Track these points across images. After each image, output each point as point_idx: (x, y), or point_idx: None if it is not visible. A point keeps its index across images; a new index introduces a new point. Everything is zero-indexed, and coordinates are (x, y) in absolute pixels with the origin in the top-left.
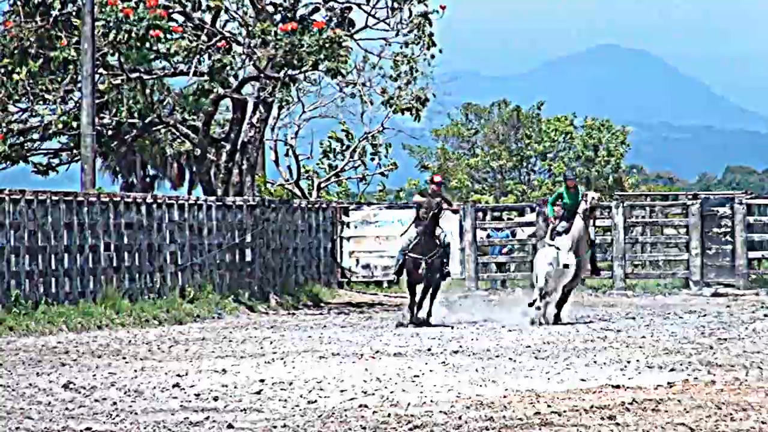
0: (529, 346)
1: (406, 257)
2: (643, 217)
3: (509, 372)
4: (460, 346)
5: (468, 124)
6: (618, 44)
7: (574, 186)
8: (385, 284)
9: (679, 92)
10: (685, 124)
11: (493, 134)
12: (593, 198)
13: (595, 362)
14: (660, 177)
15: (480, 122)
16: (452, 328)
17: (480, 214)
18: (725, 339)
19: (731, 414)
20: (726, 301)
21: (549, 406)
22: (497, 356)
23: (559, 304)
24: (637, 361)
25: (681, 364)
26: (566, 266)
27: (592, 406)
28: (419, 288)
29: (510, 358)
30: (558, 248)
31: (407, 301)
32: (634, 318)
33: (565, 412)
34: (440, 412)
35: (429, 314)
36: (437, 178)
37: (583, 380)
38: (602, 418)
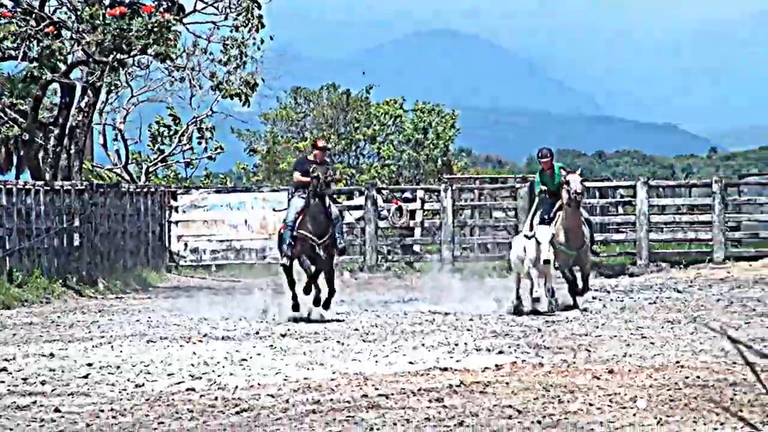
0: (357, 329)
1: (296, 234)
2: (472, 200)
3: (337, 355)
4: (288, 329)
5: (297, 108)
6: (450, 28)
7: (549, 167)
8: (213, 268)
9: (509, 75)
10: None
11: (322, 118)
12: (575, 184)
13: (423, 345)
14: (489, 160)
15: (309, 106)
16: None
17: None
18: (553, 321)
19: (559, 396)
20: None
21: (377, 388)
22: (325, 339)
23: (576, 290)
24: (465, 343)
25: (509, 347)
26: (546, 262)
27: (419, 389)
28: (295, 269)
29: (338, 341)
30: (539, 241)
31: (239, 284)
32: (462, 301)
33: (392, 394)
34: (268, 395)
35: (330, 296)
36: (321, 143)
37: (411, 363)
38: (430, 401)
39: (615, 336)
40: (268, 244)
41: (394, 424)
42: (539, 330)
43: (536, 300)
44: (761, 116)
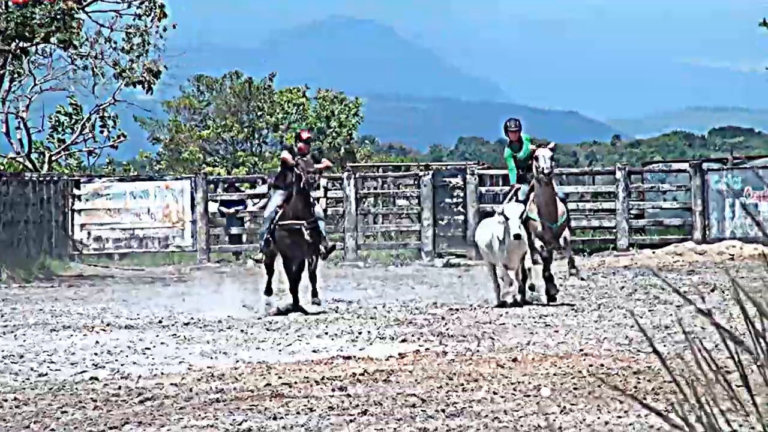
0: (261, 318)
1: (275, 227)
2: (375, 188)
3: (241, 344)
4: (192, 318)
5: (200, 96)
6: (353, 16)
7: (517, 138)
8: (117, 257)
9: (412, 63)
10: (417, 95)
11: (225, 106)
12: (543, 161)
13: (326, 333)
14: (392, 148)
15: (212, 94)
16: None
17: (212, 186)
18: (457, 309)
19: (463, 384)
20: (458, 271)
21: (280, 377)
22: (229, 328)
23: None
24: (369, 332)
25: (413, 335)
26: (517, 236)
27: (323, 378)
28: (276, 265)
29: (241, 330)
30: (507, 217)
31: (142, 273)
32: (366, 289)
33: (296, 383)
34: (171, 384)
35: (314, 289)
36: (305, 134)
37: (314, 351)
38: (333, 390)
39: (519, 324)
40: (171, 233)
41: (298, 412)
42: (443, 318)
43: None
44: (664, 104)
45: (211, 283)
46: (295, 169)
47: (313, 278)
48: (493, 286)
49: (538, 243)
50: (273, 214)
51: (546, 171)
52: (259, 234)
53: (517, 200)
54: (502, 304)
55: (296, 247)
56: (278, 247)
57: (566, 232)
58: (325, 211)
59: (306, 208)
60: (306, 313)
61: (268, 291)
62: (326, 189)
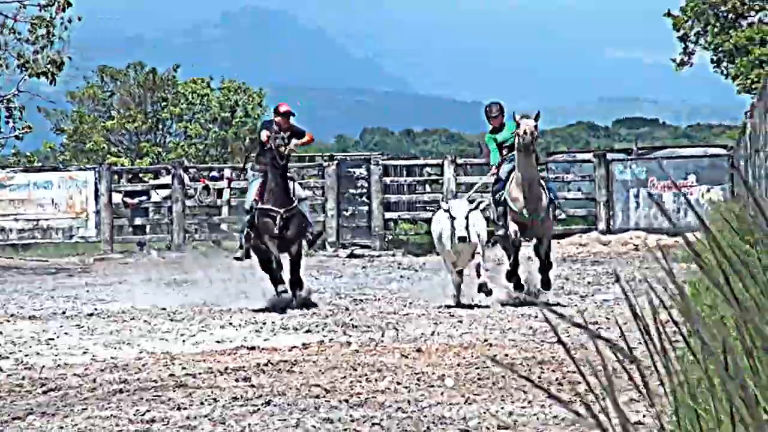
0: (165, 308)
1: (256, 212)
2: None
3: (144, 334)
4: (95, 309)
5: (104, 87)
6: (257, 6)
7: (499, 125)
8: (20, 248)
9: (317, 54)
10: (323, 85)
11: (129, 97)
12: (525, 124)
13: (230, 324)
14: None
15: (116, 85)
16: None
17: (116, 176)
18: (361, 300)
19: (367, 375)
20: (362, 262)
21: (184, 368)
22: (132, 318)
23: (542, 271)
24: (273, 322)
25: (317, 326)
26: (462, 239)
27: (227, 368)
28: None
29: (145, 320)
30: (452, 216)
31: (46, 264)
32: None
33: (200, 374)
34: (74, 374)
35: (295, 287)
36: (283, 108)
37: (218, 342)
38: (237, 380)
39: (423, 314)
40: (75, 224)
41: (202, 403)
42: (347, 309)
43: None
44: (568, 95)
45: (115, 273)
46: (272, 149)
47: (295, 272)
48: (452, 280)
49: (512, 228)
50: (252, 204)
51: (526, 136)
52: (239, 229)
53: (499, 183)
54: (457, 303)
55: (278, 234)
56: (260, 236)
57: (549, 226)
58: (229, 201)
59: (284, 192)
60: (310, 304)
61: (280, 281)
62: (230, 179)
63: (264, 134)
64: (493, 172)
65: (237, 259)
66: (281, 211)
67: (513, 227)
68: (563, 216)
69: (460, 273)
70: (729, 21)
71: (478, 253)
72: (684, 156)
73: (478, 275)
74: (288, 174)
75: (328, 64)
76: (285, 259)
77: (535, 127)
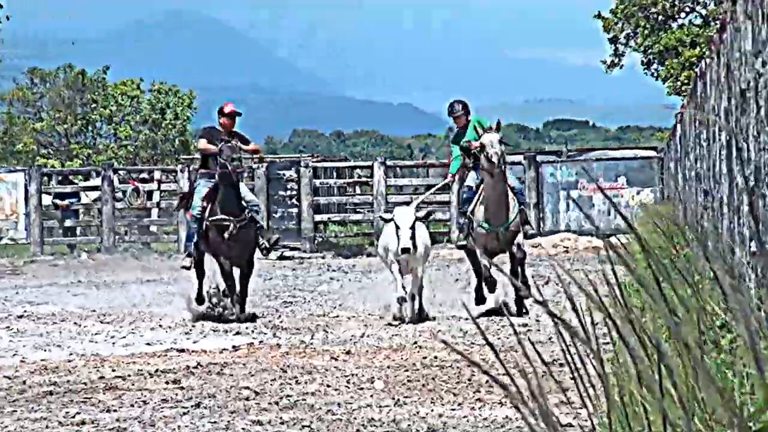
0: (95, 311)
1: (207, 224)
2: None
3: (74, 336)
4: (25, 311)
5: (34, 88)
6: (181, 9)
7: (464, 125)
8: None
9: (245, 57)
10: (249, 86)
11: (59, 98)
12: (490, 147)
13: (160, 326)
14: None
15: (45, 86)
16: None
17: (46, 178)
18: (291, 302)
19: (296, 377)
20: (292, 264)
21: (114, 370)
22: (62, 320)
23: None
24: (203, 324)
25: (247, 328)
26: (405, 251)
27: (157, 370)
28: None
29: (75, 323)
30: (398, 226)
31: None
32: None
33: (129, 376)
34: (4, 376)
35: (242, 302)
36: (228, 107)
37: (148, 344)
38: (167, 382)
39: (353, 317)
40: (5, 225)
41: (131, 405)
42: (277, 311)
43: (401, 300)
44: (494, 96)
45: (46, 275)
46: (219, 158)
47: (243, 287)
48: (396, 288)
49: (484, 261)
50: (200, 211)
51: (495, 159)
52: (186, 236)
53: (467, 191)
54: (400, 319)
55: (230, 246)
56: (210, 249)
57: (519, 237)
58: (159, 203)
59: (236, 201)
60: (254, 318)
61: (200, 299)
62: (160, 181)
63: (202, 143)
64: (449, 180)
65: (184, 268)
66: (232, 221)
67: (480, 246)
68: (532, 231)
69: (405, 292)
70: (659, 23)
71: (420, 264)
72: (614, 158)
73: (416, 299)
74: (240, 186)
75: (254, 65)
76: (236, 272)
77: (501, 141)
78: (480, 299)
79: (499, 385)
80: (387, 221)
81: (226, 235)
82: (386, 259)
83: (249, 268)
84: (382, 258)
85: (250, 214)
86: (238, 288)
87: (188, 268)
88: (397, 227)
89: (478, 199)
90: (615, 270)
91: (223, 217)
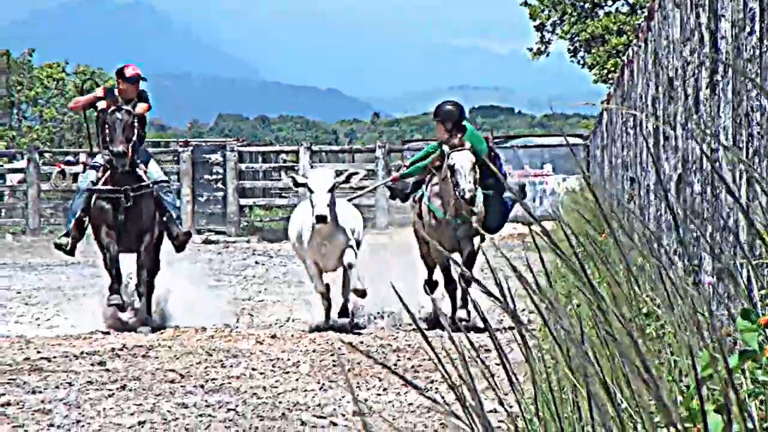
0: (20, 292)
1: (93, 200)
2: None
3: None
4: None
5: None
6: None
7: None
8: None
9: (169, 41)
10: (175, 71)
11: None
12: (464, 174)
13: (85, 308)
14: (152, 124)
15: None
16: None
17: None
18: (216, 286)
19: (222, 360)
20: (217, 248)
21: (39, 352)
22: None
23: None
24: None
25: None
26: (320, 219)
27: (82, 352)
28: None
29: (0, 304)
30: (311, 189)
31: None
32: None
33: (55, 358)
34: None
35: (148, 308)
36: (130, 70)
37: (73, 326)
38: (92, 364)
39: (278, 301)
40: None
41: (57, 387)
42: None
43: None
44: (425, 83)
45: None
46: (108, 131)
47: (139, 275)
48: (317, 294)
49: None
50: (90, 184)
51: (468, 195)
52: (70, 212)
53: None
54: (325, 326)
55: (118, 225)
56: (95, 224)
57: (477, 240)
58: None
59: (131, 172)
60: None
61: (114, 290)
62: (85, 164)
63: (101, 104)
64: (394, 177)
65: (58, 247)
66: (126, 189)
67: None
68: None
69: (328, 291)
70: (586, 11)
71: (351, 247)
72: (540, 145)
73: (344, 296)
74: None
75: (181, 49)
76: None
77: (473, 168)
78: (431, 286)
79: (400, 377)
80: (298, 186)
81: (115, 209)
82: (301, 249)
83: (147, 257)
84: (296, 248)
85: (151, 188)
86: (135, 280)
87: (64, 248)
88: (311, 191)
89: (430, 185)
90: (542, 257)
91: (114, 189)
